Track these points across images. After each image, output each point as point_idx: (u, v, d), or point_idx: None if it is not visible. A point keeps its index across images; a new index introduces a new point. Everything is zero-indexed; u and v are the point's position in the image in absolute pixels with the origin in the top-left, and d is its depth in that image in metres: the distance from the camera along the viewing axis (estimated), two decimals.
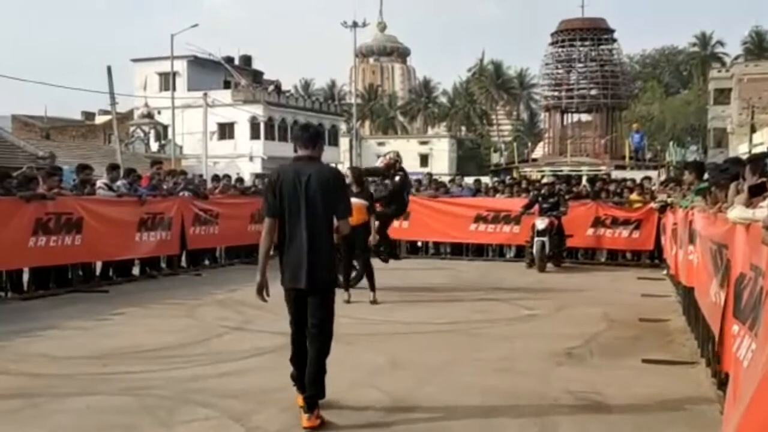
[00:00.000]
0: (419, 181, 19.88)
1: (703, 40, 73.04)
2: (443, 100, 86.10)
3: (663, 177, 25.28)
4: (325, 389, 5.10)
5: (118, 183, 12.68)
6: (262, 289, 5.15)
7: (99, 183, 12.53)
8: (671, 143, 46.76)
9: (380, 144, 66.74)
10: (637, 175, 22.35)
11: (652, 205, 14.42)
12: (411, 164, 57.39)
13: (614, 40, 48.17)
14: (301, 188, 5.04)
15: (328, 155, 59.12)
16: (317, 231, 5.06)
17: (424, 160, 65.45)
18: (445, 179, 22.40)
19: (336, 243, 5.62)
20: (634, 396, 5.75)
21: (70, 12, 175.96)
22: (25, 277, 10.83)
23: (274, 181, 5.19)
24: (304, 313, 5.15)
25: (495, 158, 52.72)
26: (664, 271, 12.76)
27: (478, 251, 16.52)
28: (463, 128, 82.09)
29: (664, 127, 60.47)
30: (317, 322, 5.11)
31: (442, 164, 62.82)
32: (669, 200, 11.85)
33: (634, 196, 16.09)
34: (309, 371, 5.05)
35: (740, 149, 36.19)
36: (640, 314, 9.30)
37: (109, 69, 31.17)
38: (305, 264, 5.00)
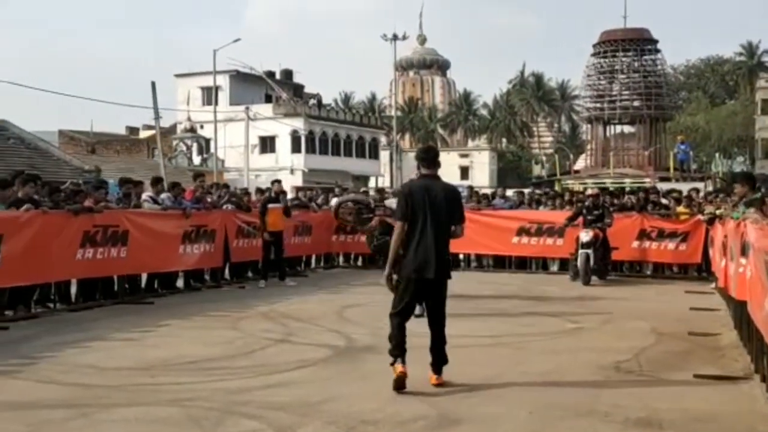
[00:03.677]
0: None
1: (750, 49, 71.84)
2: (484, 112, 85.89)
3: (710, 188, 24.82)
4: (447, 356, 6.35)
5: (163, 196, 12.82)
6: (390, 277, 6.32)
7: (144, 196, 12.67)
8: (717, 154, 46.00)
9: None
10: (683, 187, 21.93)
11: (700, 217, 14.14)
12: (451, 177, 57.42)
13: (658, 51, 47.46)
14: (429, 200, 6.22)
15: (368, 168, 59.59)
16: (441, 234, 6.26)
17: (464, 172, 65.37)
18: (486, 192, 22.26)
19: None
20: (687, 411, 5.60)
21: (115, 29, 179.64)
22: (73, 289, 11.00)
23: (406, 193, 6.38)
24: (418, 300, 6.42)
25: (536, 170, 52.41)
26: (713, 285, 12.49)
27: (521, 264, 16.36)
28: (504, 140, 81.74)
29: (709, 138, 59.49)
30: (441, 304, 6.35)
31: (482, 177, 62.67)
32: (718, 212, 11.61)
33: (681, 208, 15.78)
34: (436, 343, 6.30)
35: None
36: (690, 328, 9.10)
37: (153, 84, 31.83)
38: (433, 259, 6.15)
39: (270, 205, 13.97)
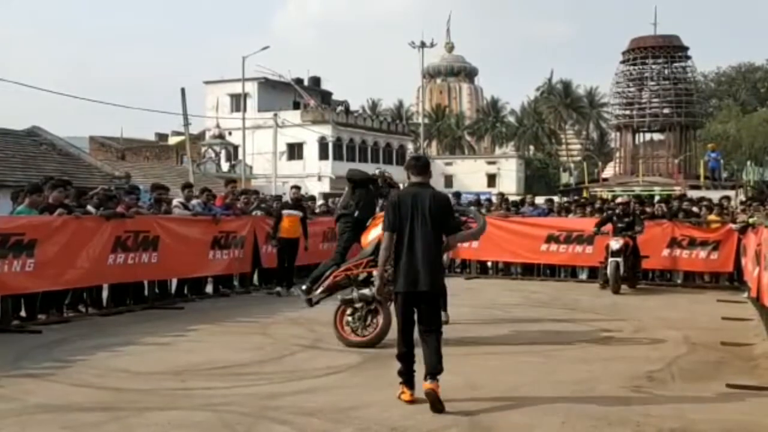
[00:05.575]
0: (489, 201, 19.77)
1: None
2: (511, 119, 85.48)
3: (741, 197, 24.53)
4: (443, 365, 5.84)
5: (194, 202, 12.92)
6: (382, 290, 6.42)
7: (175, 202, 12.78)
8: (749, 162, 45.39)
9: (447, 164, 66.67)
10: (714, 195, 21.67)
11: (732, 225, 13.97)
12: (478, 184, 57.23)
13: (688, 58, 46.94)
14: (419, 209, 5.97)
15: (395, 174, 59.41)
16: (433, 244, 5.98)
17: (491, 179, 65.03)
18: (514, 199, 22.12)
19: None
20: (722, 423, 5.54)
21: (145, 36, 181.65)
22: (104, 293, 11.11)
23: (395, 202, 6.11)
24: (414, 313, 6.00)
25: (564, 178, 51.97)
26: (745, 294, 12.34)
27: (550, 271, 16.27)
28: (531, 148, 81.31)
29: (740, 146, 58.70)
30: (434, 318, 6.00)
31: (510, 184, 62.22)
32: (751, 220, 11.47)
33: (712, 216, 15.58)
34: (431, 356, 5.82)
35: None
36: (722, 338, 9.00)
37: (183, 91, 32.02)
38: (425, 271, 5.88)
39: (285, 212, 13.67)
